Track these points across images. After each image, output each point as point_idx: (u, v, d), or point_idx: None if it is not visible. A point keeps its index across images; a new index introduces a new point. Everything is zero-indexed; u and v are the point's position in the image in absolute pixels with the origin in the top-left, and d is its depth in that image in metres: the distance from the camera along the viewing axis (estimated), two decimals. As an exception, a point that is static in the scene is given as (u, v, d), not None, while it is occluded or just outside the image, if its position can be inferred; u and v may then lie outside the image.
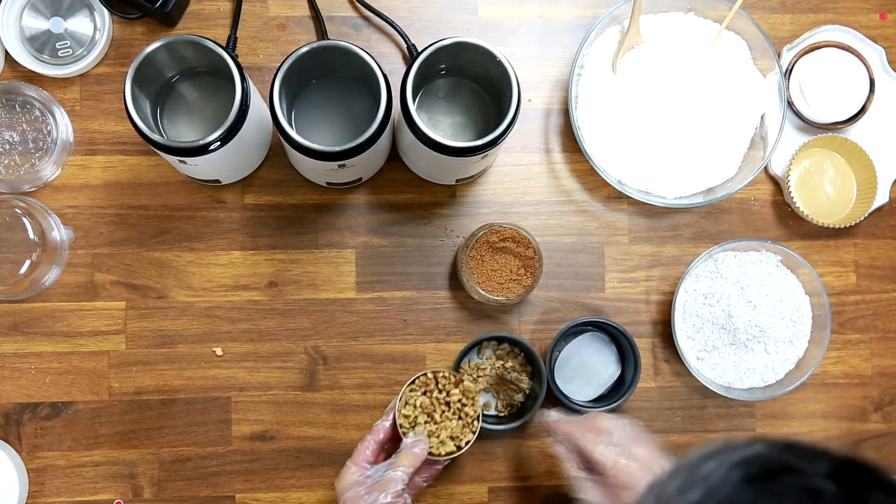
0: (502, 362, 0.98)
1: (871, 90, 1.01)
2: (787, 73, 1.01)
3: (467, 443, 0.89)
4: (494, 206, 1.02)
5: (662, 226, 1.03)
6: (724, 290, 0.97)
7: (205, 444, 0.99)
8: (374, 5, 1.02)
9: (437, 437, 0.89)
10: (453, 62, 0.91)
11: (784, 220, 1.04)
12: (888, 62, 1.03)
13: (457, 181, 1.00)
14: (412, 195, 1.01)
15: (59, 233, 0.97)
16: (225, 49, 0.85)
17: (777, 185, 1.04)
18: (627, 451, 0.81)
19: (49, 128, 0.98)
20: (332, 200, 1.01)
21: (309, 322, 1.00)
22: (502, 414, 0.99)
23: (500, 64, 0.86)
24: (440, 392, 0.90)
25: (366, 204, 1.01)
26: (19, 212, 0.96)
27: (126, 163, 1.00)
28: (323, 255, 1.00)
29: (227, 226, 1.00)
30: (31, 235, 0.95)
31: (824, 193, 1.03)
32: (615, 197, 1.03)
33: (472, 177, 1.00)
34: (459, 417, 0.90)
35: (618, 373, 1.01)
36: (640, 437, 0.83)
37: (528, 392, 0.98)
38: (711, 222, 1.03)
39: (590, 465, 0.83)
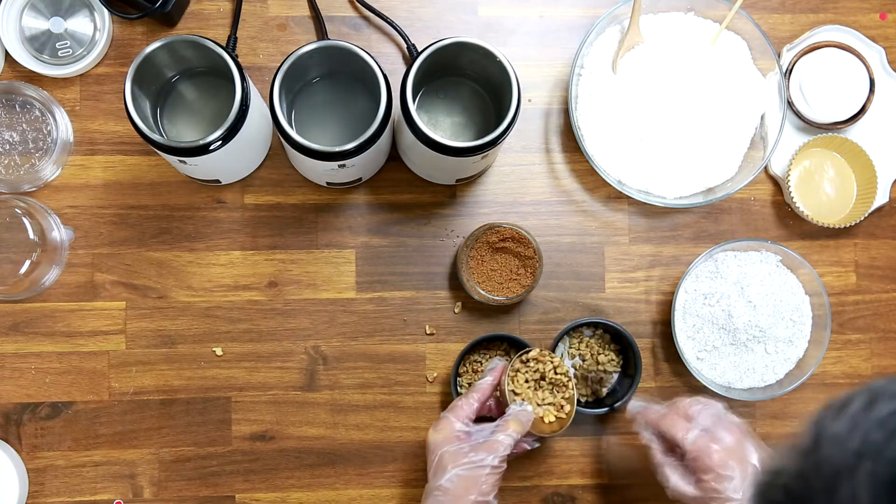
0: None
1: (871, 90, 1.01)
2: (787, 73, 1.01)
3: (568, 414, 0.89)
4: (494, 206, 1.02)
5: (662, 226, 1.03)
6: (724, 290, 0.97)
7: (205, 444, 0.99)
8: (374, 5, 1.02)
9: (538, 413, 0.89)
10: (453, 62, 0.91)
11: (784, 220, 1.04)
12: (888, 62, 1.03)
13: (457, 181, 1.00)
14: (412, 195, 1.01)
15: (59, 233, 0.97)
16: (225, 49, 0.85)
17: (777, 185, 1.04)
18: (714, 435, 0.80)
19: (49, 128, 0.98)
20: (332, 200, 1.01)
21: (309, 322, 1.00)
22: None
23: (500, 64, 0.86)
24: (546, 372, 0.90)
25: (366, 204, 1.01)
26: (19, 212, 0.96)
27: (126, 163, 1.00)
28: (323, 255, 1.00)
29: (227, 226, 1.00)
30: (31, 235, 0.95)
31: (824, 193, 1.03)
32: (615, 197, 1.03)
33: (472, 177, 1.00)
34: (555, 398, 0.91)
35: (618, 373, 1.01)
36: (727, 421, 0.82)
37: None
38: (711, 222, 1.03)
39: (675, 451, 0.83)
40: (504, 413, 0.88)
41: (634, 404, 0.89)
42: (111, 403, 0.99)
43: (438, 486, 0.82)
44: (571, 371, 0.98)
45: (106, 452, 0.98)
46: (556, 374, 0.90)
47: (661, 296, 1.02)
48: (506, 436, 0.83)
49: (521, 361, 0.90)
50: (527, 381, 0.90)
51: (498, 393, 0.91)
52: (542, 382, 0.91)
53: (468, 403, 0.87)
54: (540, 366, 0.90)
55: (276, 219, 1.01)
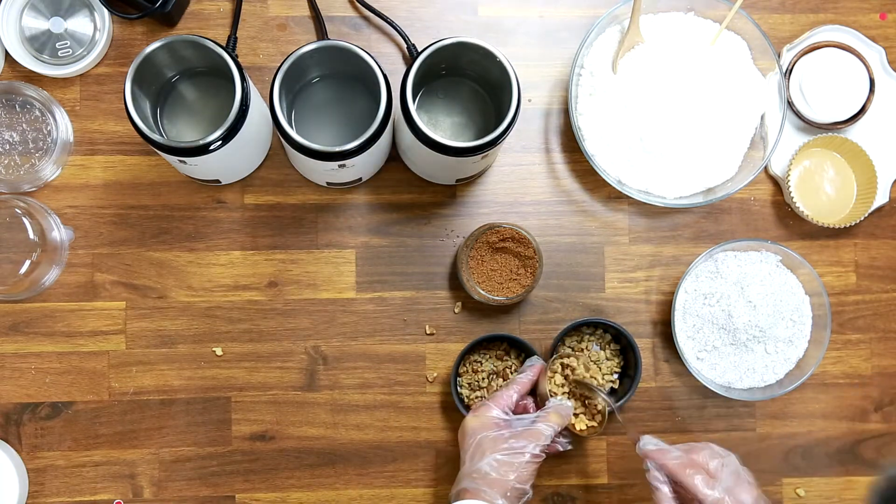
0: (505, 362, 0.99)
1: (871, 90, 1.01)
2: (787, 73, 1.01)
3: (600, 423, 0.91)
4: (494, 206, 1.02)
5: (662, 226, 1.03)
6: (724, 290, 0.97)
7: (205, 444, 0.99)
8: (374, 5, 1.02)
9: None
10: (453, 62, 0.91)
11: (784, 220, 1.04)
12: (888, 62, 1.03)
13: (457, 181, 1.00)
14: (412, 195, 1.01)
15: (59, 233, 0.97)
16: (225, 49, 0.85)
17: (777, 185, 1.04)
18: (734, 495, 0.79)
19: (49, 128, 0.98)
20: (332, 200, 1.01)
21: (309, 322, 1.00)
22: None
23: (500, 64, 0.86)
24: (580, 372, 0.92)
25: (366, 204, 1.01)
26: (19, 212, 0.96)
27: (126, 163, 1.00)
28: (323, 255, 1.00)
29: (227, 226, 1.00)
30: (31, 235, 0.95)
31: (824, 193, 1.03)
32: (615, 197, 1.03)
33: (472, 177, 1.00)
34: (587, 409, 0.93)
35: (618, 373, 1.00)
36: (744, 479, 0.82)
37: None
38: (711, 222, 1.03)
39: (684, 497, 0.82)
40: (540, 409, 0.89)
41: (648, 441, 0.86)
42: (111, 403, 0.99)
43: (476, 469, 0.82)
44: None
45: (106, 452, 0.98)
46: (588, 388, 0.92)
47: (661, 296, 1.02)
48: (547, 426, 0.84)
49: (562, 365, 0.92)
50: (562, 385, 0.92)
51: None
52: (575, 391, 0.93)
53: (508, 394, 0.88)
54: (573, 363, 0.92)
55: (276, 219, 1.01)
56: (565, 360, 0.93)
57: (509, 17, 1.04)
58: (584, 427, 0.92)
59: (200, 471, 0.98)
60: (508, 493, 0.81)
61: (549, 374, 0.92)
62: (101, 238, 0.99)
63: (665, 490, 0.82)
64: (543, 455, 0.84)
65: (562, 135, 1.03)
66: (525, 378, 0.90)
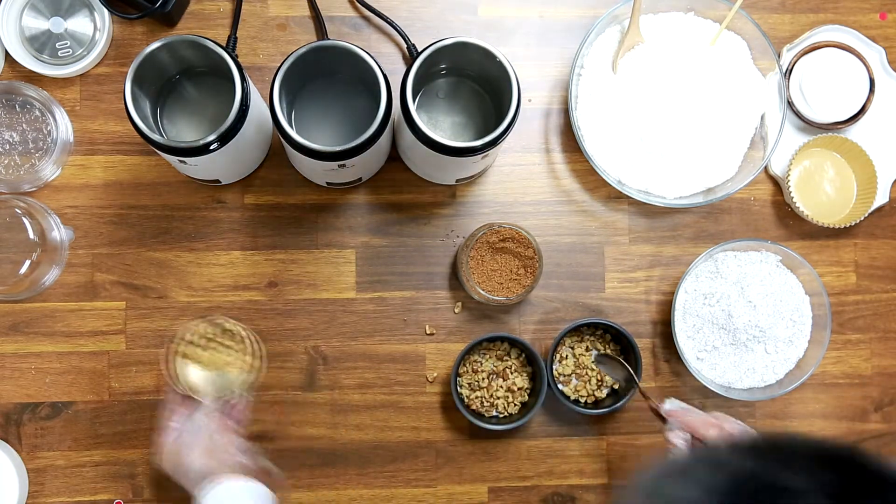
0: (503, 363, 0.99)
1: (871, 90, 1.01)
2: (787, 73, 1.01)
3: (256, 369, 0.88)
4: (494, 206, 1.02)
5: (662, 226, 1.03)
6: (724, 290, 0.97)
7: (205, 444, 0.99)
8: (374, 5, 1.02)
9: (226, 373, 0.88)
10: (453, 62, 0.92)
11: (784, 220, 1.04)
12: (888, 62, 1.03)
13: (457, 181, 1.00)
14: (412, 195, 1.01)
15: (59, 233, 0.97)
16: (225, 49, 0.85)
17: (777, 185, 1.04)
18: None
19: (49, 128, 0.98)
20: (332, 200, 1.01)
21: (309, 322, 1.00)
22: (502, 415, 0.99)
23: (500, 64, 0.86)
24: (210, 341, 0.88)
25: (366, 204, 1.01)
26: (19, 212, 0.96)
27: (126, 163, 1.00)
28: (323, 255, 1.00)
29: (227, 226, 1.00)
30: (31, 235, 0.95)
31: (824, 193, 1.03)
32: (615, 197, 1.03)
33: (472, 177, 1.00)
34: (237, 351, 0.89)
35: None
36: None
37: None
38: (711, 222, 1.03)
39: None
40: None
41: (671, 402, 0.88)
42: (111, 403, 0.99)
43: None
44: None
45: (106, 452, 0.98)
46: (221, 339, 0.89)
47: (661, 296, 1.02)
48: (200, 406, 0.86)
49: (177, 352, 0.88)
50: (203, 349, 0.88)
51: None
52: (222, 343, 0.89)
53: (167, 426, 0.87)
54: (200, 342, 0.88)
55: (276, 219, 1.01)
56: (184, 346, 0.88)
57: (509, 17, 1.04)
58: (248, 364, 0.88)
59: (200, 471, 0.98)
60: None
61: (178, 376, 0.87)
62: (101, 238, 0.99)
63: (684, 449, 0.84)
64: (215, 417, 0.86)
65: (562, 135, 1.03)
66: (171, 395, 0.88)
